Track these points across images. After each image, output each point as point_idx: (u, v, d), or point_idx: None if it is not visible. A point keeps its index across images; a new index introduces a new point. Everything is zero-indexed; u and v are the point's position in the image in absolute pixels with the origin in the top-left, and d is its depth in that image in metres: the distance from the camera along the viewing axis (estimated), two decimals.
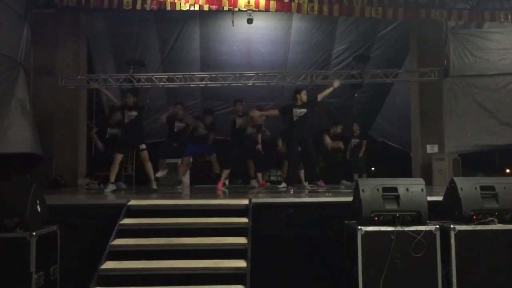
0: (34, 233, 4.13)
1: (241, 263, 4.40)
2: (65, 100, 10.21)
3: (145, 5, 9.54)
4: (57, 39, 10.48)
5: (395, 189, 4.44)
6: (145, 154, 7.93)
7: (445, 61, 10.77)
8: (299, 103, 7.71)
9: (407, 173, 10.67)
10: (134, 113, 7.85)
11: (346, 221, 4.73)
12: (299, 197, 6.63)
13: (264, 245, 4.95)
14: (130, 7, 9.56)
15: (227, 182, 9.87)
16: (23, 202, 4.20)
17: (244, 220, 4.96)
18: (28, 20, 9.95)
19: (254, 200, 5.31)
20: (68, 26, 10.62)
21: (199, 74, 10.65)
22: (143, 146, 7.94)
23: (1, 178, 8.77)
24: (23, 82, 9.55)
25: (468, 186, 4.52)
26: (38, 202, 4.40)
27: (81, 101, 10.80)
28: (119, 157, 7.86)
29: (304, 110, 7.64)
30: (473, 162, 10.82)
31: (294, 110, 7.64)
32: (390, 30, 11.54)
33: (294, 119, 7.64)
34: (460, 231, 4.30)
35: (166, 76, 10.36)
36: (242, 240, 4.69)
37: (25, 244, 4.10)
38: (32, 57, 10.10)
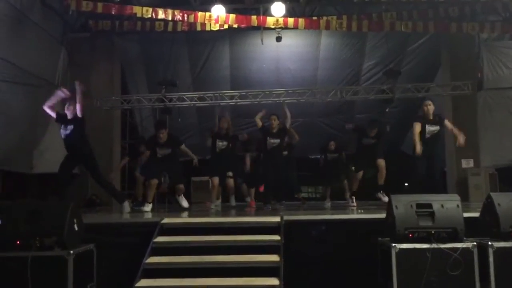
0: (71, 252, 4.23)
1: (274, 281, 4.38)
2: (100, 120, 10.45)
3: (176, 27, 9.84)
4: (92, 61, 10.84)
5: (429, 205, 4.37)
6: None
7: (479, 74, 10.56)
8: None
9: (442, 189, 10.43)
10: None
11: (380, 238, 4.67)
12: (332, 214, 6.57)
13: (296, 263, 4.92)
14: (162, 29, 9.91)
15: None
16: (61, 221, 4.31)
17: (276, 237, 4.96)
18: (65, 44, 10.32)
19: (286, 218, 5.30)
20: (102, 49, 11.00)
21: (229, 92, 10.74)
22: None
23: (39, 198, 9.05)
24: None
25: (506, 201, 4.41)
26: (75, 221, 4.51)
27: (115, 121, 11.10)
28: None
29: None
30: (511, 177, 10.50)
31: None
32: (421, 44, 11.41)
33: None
34: (498, 248, 4.19)
35: (197, 95, 10.50)
36: (275, 257, 4.68)
37: (62, 262, 4.19)
38: (69, 80, 10.42)
